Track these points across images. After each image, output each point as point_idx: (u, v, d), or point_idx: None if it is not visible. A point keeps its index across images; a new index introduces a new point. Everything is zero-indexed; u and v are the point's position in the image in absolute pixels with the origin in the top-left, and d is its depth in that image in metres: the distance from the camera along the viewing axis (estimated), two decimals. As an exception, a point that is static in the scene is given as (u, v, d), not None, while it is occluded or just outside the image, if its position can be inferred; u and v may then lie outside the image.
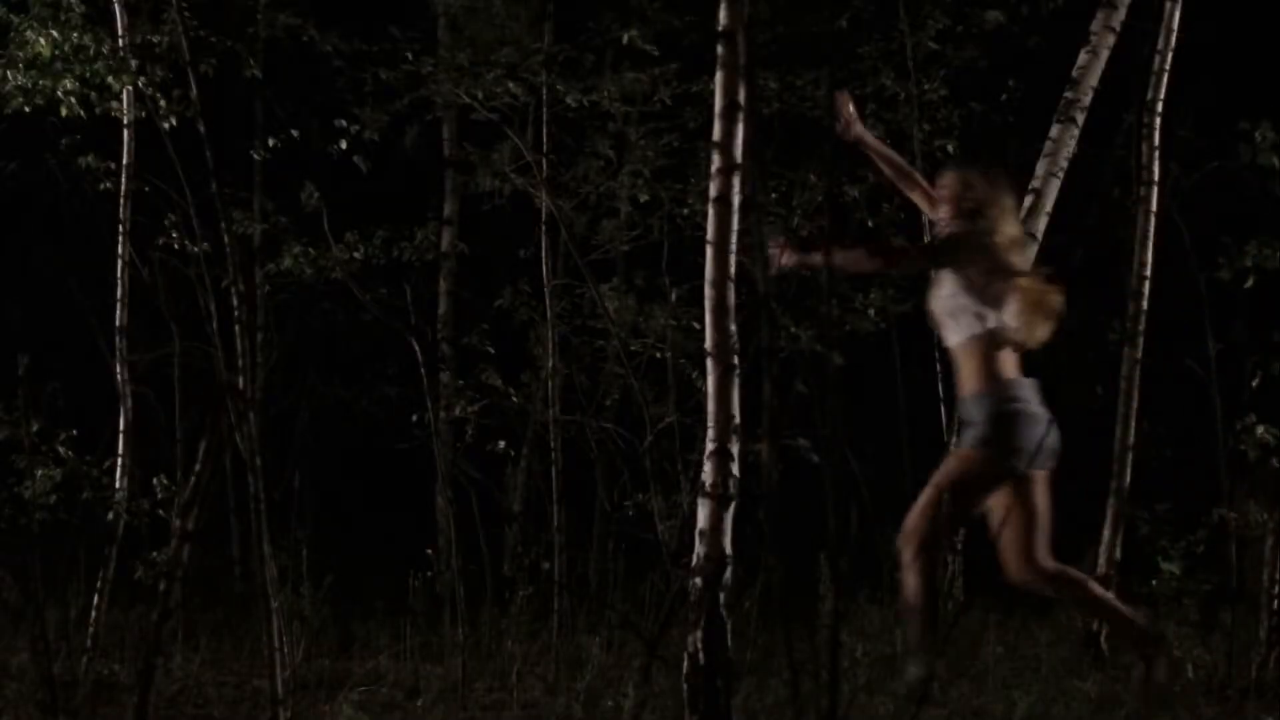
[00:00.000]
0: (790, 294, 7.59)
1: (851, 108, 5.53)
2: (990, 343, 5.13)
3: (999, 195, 5.28)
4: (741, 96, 4.67)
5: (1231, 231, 6.80)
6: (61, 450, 6.50)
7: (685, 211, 7.95)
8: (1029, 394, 5.14)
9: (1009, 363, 5.16)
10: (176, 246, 7.02)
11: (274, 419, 9.97)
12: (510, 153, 7.84)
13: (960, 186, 5.31)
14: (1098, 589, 5.29)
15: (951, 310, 5.16)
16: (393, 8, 8.32)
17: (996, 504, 5.19)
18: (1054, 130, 7.43)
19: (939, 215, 5.39)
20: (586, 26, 8.02)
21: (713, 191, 4.71)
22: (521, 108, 7.78)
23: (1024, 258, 5.36)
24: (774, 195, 8.05)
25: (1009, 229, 5.27)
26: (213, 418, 5.33)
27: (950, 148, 8.69)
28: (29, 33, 6.76)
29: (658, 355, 7.59)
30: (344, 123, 7.39)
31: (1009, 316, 5.13)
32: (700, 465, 4.79)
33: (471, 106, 7.68)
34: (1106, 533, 7.14)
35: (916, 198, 5.68)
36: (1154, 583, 6.93)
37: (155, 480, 6.86)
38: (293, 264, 7.83)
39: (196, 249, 6.17)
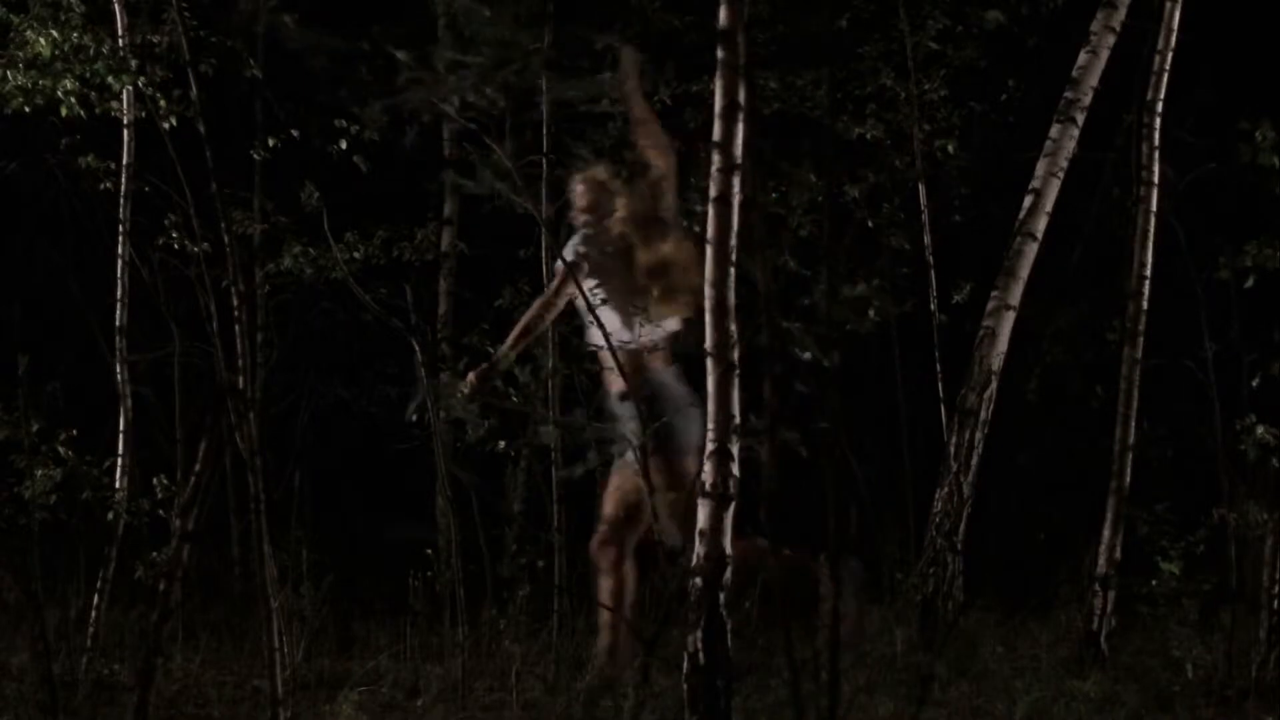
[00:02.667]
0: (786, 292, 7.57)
1: (634, 72, 5.92)
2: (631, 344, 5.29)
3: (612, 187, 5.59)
4: (741, 96, 4.67)
5: (1230, 232, 6.80)
6: (61, 450, 6.49)
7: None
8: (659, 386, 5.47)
9: (651, 362, 5.48)
10: (176, 246, 7.02)
11: (274, 419, 9.96)
12: (510, 154, 7.81)
13: (582, 190, 5.80)
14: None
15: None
16: (393, 7, 8.30)
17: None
18: (1054, 130, 7.44)
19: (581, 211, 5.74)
20: (590, 27, 7.99)
21: (713, 191, 4.71)
22: (517, 109, 7.76)
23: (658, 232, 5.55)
24: (774, 195, 8.04)
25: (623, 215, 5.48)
26: (213, 418, 5.33)
27: (950, 148, 8.69)
28: (29, 33, 6.76)
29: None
30: (344, 123, 7.38)
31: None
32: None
33: (473, 106, 7.65)
34: (1106, 533, 7.14)
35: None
36: (1154, 583, 6.92)
37: (155, 480, 6.85)
38: (293, 264, 7.83)
39: (196, 249, 6.16)
